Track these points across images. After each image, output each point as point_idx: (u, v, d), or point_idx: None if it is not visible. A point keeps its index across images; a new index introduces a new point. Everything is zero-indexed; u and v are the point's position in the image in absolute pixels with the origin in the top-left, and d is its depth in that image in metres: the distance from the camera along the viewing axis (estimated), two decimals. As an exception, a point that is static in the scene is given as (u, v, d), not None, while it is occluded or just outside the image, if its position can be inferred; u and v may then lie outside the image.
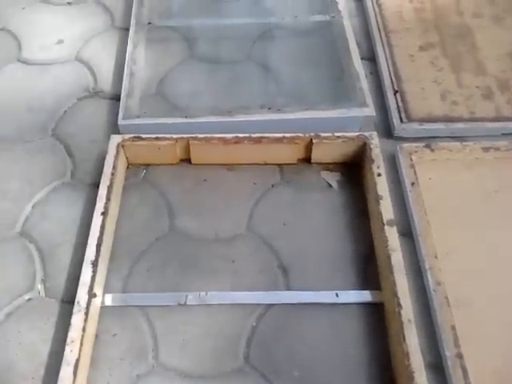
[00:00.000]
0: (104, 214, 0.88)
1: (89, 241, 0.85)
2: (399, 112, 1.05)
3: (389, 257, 0.82)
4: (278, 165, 1.02)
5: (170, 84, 1.14)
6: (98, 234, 0.85)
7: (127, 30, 1.21)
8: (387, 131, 1.06)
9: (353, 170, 1.00)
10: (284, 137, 0.97)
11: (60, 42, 1.25)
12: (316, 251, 0.90)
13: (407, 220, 0.93)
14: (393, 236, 0.85)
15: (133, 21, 1.18)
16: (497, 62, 1.14)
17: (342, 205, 0.96)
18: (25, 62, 1.21)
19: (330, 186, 0.99)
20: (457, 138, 1.05)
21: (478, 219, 0.92)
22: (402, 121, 1.04)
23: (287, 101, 1.10)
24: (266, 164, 1.01)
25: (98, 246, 0.84)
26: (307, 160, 1.01)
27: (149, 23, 1.19)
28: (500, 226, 0.92)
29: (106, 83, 1.15)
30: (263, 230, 0.93)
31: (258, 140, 0.97)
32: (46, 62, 1.21)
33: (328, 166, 1.01)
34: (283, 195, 0.98)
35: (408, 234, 0.91)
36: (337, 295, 0.84)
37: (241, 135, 0.97)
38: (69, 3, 1.34)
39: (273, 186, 0.99)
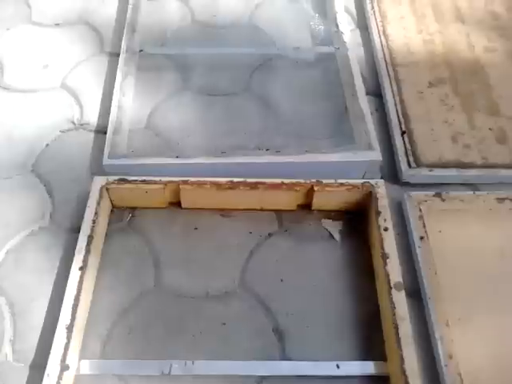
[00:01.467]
0: (82, 268, 0.79)
1: (64, 300, 0.76)
2: (407, 155, 0.98)
3: (396, 327, 0.74)
4: (276, 211, 0.94)
5: (161, 118, 1.06)
6: (74, 292, 0.77)
7: (118, 55, 1.12)
8: (394, 176, 0.98)
9: (357, 219, 0.93)
10: (283, 183, 0.89)
11: (45, 66, 1.16)
12: (315, 313, 0.82)
13: (415, 278, 0.85)
14: (401, 302, 0.77)
15: (123, 48, 1.10)
16: (511, 102, 1.07)
17: (345, 259, 0.88)
18: (6, 89, 1.13)
19: (332, 236, 0.91)
20: (469, 186, 0.97)
21: (493, 280, 0.85)
22: (410, 165, 0.96)
23: (286, 139, 1.02)
24: (262, 210, 0.93)
25: (75, 306, 0.75)
26: (308, 206, 0.93)
27: (140, 50, 1.11)
28: (516, 288, 0.84)
29: (92, 114, 1.07)
30: (258, 286, 0.85)
31: (255, 186, 0.89)
32: (29, 88, 1.12)
33: (330, 214, 0.94)
34: (281, 246, 0.90)
35: (416, 294, 0.83)
36: (338, 366, 0.76)
37: (235, 180, 0.89)
38: (57, 24, 1.26)
39: (270, 235, 0.91)
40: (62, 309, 0.75)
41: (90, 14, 1.27)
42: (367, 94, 1.11)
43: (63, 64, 1.17)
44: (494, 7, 1.25)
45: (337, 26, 1.17)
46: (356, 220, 0.93)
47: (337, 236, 0.91)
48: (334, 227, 0.92)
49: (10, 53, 1.20)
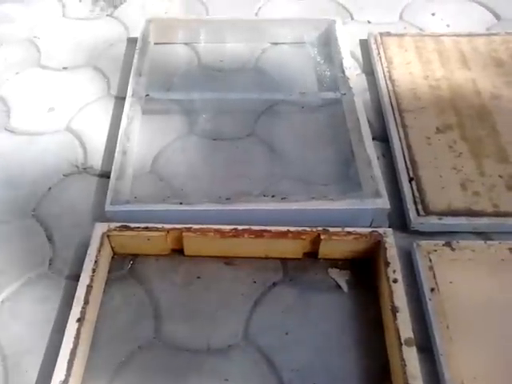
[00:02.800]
0: (80, 320, 0.76)
1: (60, 354, 0.73)
2: (415, 203, 0.95)
3: (408, 386, 0.70)
4: (281, 259, 0.91)
5: (166, 162, 1.05)
6: (71, 345, 0.73)
7: (124, 99, 1.12)
8: (402, 224, 0.96)
9: (365, 268, 0.90)
10: (289, 231, 0.87)
11: (51, 109, 1.17)
12: (321, 369, 0.78)
13: (426, 332, 0.81)
14: (412, 359, 0.73)
15: (129, 92, 1.10)
16: (520, 149, 1.05)
17: (352, 311, 0.85)
18: (12, 132, 1.13)
19: (339, 286, 0.88)
20: (479, 235, 0.94)
21: (509, 335, 0.81)
22: (418, 213, 0.94)
23: (292, 186, 1.00)
24: (267, 258, 0.91)
25: (70, 361, 0.72)
26: (314, 255, 0.91)
27: (146, 95, 1.11)
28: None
29: (96, 158, 1.06)
30: (262, 339, 0.81)
31: (260, 234, 0.86)
32: (34, 131, 1.12)
33: (337, 263, 0.91)
34: (286, 296, 0.87)
35: (427, 349, 0.79)
36: (346, 429, 0.72)
37: (240, 227, 0.87)
38: (65, 68, 1.27)
39: (274, 284, 0.88)
40: (57, 364, 0.72)
41: (97, 57, 1.29)
42: (373, 139, 1.10)
43: (69, 107, 1.17)
44: (498, 54, 1.25)
45: (343, 71, 1.17)
46: (364, 269, 0.90)
47: (344, 286, 0.88)
48: (341, 277, 0.89)
49: (18, 96, 1.20)
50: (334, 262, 0.91)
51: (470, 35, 1.31)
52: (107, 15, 1.41)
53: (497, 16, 1.41)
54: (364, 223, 0.95)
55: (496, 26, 1.38)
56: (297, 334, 0.82)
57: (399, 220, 0.97)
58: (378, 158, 1.06)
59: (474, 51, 1.27)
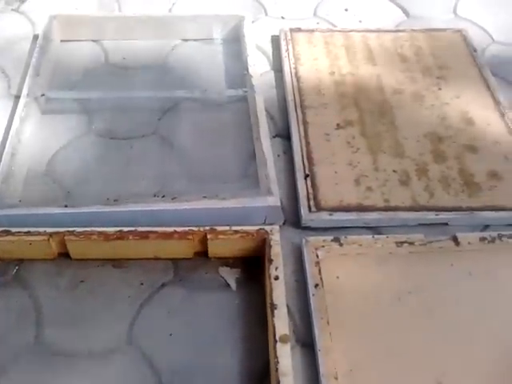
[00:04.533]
0: None
1: None
2: (308, 199, 0.96)
3: (278, 383, 0.71)
4: (173, 259, 0.91)
5: (60, 164, 1.02)
6: None
7: (23, 98, 1.10)
8: (296, 220, 0.97)
9: (255, 266, 0.90)
10: (175, 231, 0.86)
11: None
12: (203, 370, 0.78)
13: (310, 328, 0.83)
14: (285, 356, 0.74)
15: (24, 92, 1.07)
16: (415, 144, 1.07)
17: (240, 309, 0.85)
18: None
19: (228, 285, 0.88)
20: (372, 229, 0.96)
21: (390, 326, 0.83)
22: (310, 210, 0.95)
23: (189, 185, 1.00)
24: (158, 259, 0.90)
25: None
26: (205, 254, 0.91)
27: (42, 95, 1.08)
28: (410, 335, 0.82)
29: (-12, 160, 1.03)
30: (145, 342, 0.80)
31: (145, 235, 0.86)
32: None
33: (228, 262, 0.91)
34: (174, 297, 0.86)
35: (309, 344, 0.81)
36: (220, 428, 0.72)
37: (125, 229, 0.86)
38: (-35, 66, 1.23)
39: (163, 285, 0.88)
40: None
41: (-2, 55, 1.25)
42: (277, 136, 1.11)
43: (-34, 107, 1.13)
44: (404, 50, 1.28)
45: (247, 68, 1.17)
46: (254, 267, 0.90)
47: (233, 285, 0.88)
48: (231, 275, 0.89)
49: None
50: (225, 261, 0.91)
51: (378, 31, 1.34)
52: (12, 9, 1.36)
53: (406, 13, 1.44)
54: (258, 221, 0.95)
55: (405, 23, 1.40)
56: (181, 335, 0.82)
57: (294, 217, 0.98)
58: (278, 156, 1.08)
59: (381, 47, 1.29)
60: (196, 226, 0.87)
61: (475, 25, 1.40)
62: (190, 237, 0.86)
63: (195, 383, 0.77)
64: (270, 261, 0.84)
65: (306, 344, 0.81)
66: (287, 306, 0.85)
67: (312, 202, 0.96)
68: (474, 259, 0.91)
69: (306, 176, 1.00)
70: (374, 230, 0.96)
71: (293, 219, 0.97)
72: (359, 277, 0.89)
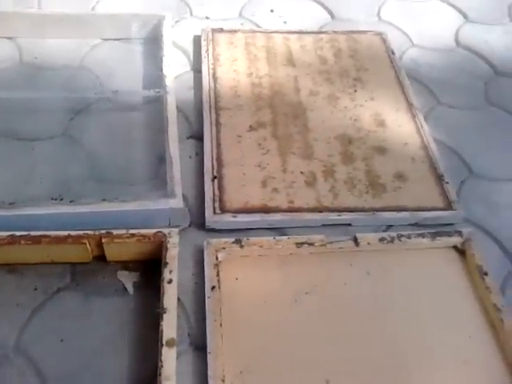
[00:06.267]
0: None
1: None
2: (214, 201, 0.97)
3: (160, 388, 0.71)
4: (72, 264, 0.89)
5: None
6: None
7: None
8: (203, 223, 0.96)
9: (154, 270, 0.89)
10: (69, 235, 0.85)
11: None
12: (92, 375, 0.77)
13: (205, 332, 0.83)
14: (169, 360, 0.73)
15: None
16: (325, 145, 1.09)
17: (135, 313, 0.84)
18: None
19: (126, 289, 0.87)
20: (276, 230, 0.97)
21: (281, 328, 0.83)
22: (214, 211, 0.95)
23: (95, 188, 0.98)
24: (55, 263, 0.88)
25: None
26: (104, 258, 0.90)
27: None
28: (304, 335, 0.83)
29: None
30: (34, 348, 0.79)
31: (37, 240, 0.84)
32: None
33: (127, 265, 0.90)
34: (69, 302, 0.85)
35: (203, 348, 0.81)
36: (101, 435, 0.71)
37: (17, 234, 0.84)
38: None
39: (59, 290, 0.86)
40: None
41: None
42: (191, 137, 1.11)
43: None
44: (324, 52, 1.29)
45: (161, 69, 1.16)
46: (153, 271, 0.89)
47: (130, 289, 0.87)
48: (129, 279, 0.88)
49: None
50: (125, 265, 0.90)
51: (300, 33, 1.35)
52: None
53: (332, 15, 1.45)
54: (163, 223, 0.94)
55: (329, 25, 1.42)
56: (73, 341, 0.81)
57: (200, 219, 0.97)
58: (190, 157, 1.08)
59: (302, 49, 1.30)
60: (92, 230, 0.86)
61: (397, 28, 1.43)
62: (85, 241, 0.85)
63: (81, 389, 0.76)
64: (165, 264, 0.83)
65: (199, 347, 0.81)
66: (185, 309, 0.86)
67: (217, 204, 0.96)
68: (373, 259, 0.93)
69: (214, 178, 1.00)
70: (279, 231, 0.97)
71: (199, 221, 0.97)
72: (258, 278, 0.89)
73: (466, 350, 0.84)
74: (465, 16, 1.50)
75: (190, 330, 0.83)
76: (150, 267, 0.90)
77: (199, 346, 0.81)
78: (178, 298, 0.84)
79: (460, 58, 1.38)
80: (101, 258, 0.90)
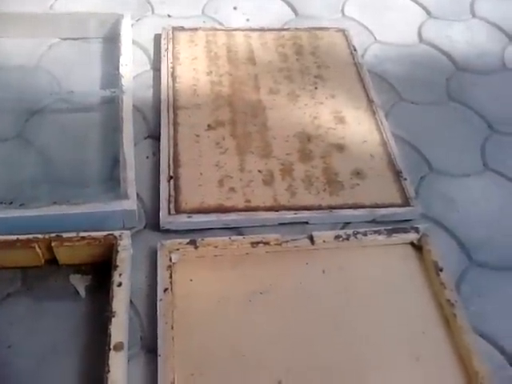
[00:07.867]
0: None
1: None
2: (169, 202, 0.96)
3: (106, 393, 0.70)
4: (22, 268, 0.88)
5: None
6: None
7: None
8: (157, 223, 0.96)
9: (106, 273, 0.88)
10: (18, 239, 0.83)
11: None
12: (40, 381, 0.76)
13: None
14: (117, 365, 0.72)
15: None
16: (284, 143, 1.08)
17: (86, 317, 0.83)
18: None
19: (78, 292, 0.86)
20: (233, 230, 0.96)
21: (234, 329, 0.83)
22: (169, 212, 0.94)
23: (49, 191, 0.96)
24: (4, 268, 0.87)
25: None
26: (56, 261, 0.88)
27: None
28: (257, 335, 0.82)
29: None
30: (-20, 356, 0.78)
31: (-15, 245, 0.83)
32: None
33: (80, 268, 0.89)
34: (18, 307, 0.83)
35: (155, 351, 0.80)
36: None
37: (-37, 239, 0.83)
38: None
39: (8, 295, 0.85)
40: None
41: None
42: (149, 137, 1.10)
43: None
44: (285, 49, 1.29)
45: (118, 68, 1.14)
46: (105, 274, 0.88)
47: (82, 292, 0.86)
48: (82, 282, 0.87)
49: None
50: (77, 268, 0.89)
51: (261, 30, 1.34)
52: None
53: (295, 12, 1.45)
54: (116, 225, 0.93)
55: (293, 22, 1.41)
56: (20, 347, 0.79)
57: (156, 220, 0.96)
58: (147, 157, 1.06)
59: (263, 46, 1.29)
60: (43, 234, 0.85)
61: (360, 24, 1.43)
62: (34, 245, 0.84)
63: (28, 396, 0.75)
64: (115, 267, 0.82)
65: (151, 350, 0.80)
66: (138, 312, 0.85)
67: (172, 205, 0.95)
68: (328, 257, 0.93)
69: (170, 178, 0.99)
70: (236, 230, 0.96)
71: (155, 223, 0.96)
72: (213, 279, 0.89)
73: (419, 347, 0.84)
74: (428, 12, 1.51)
75: (143, 333, 0.82)
76: (103, 270, 0.88)
77: (151, 349, 0.80)
78: (131, 301, 0.84)
79: (422, 54, 1.39)
80: (53, 261, 0.88)
